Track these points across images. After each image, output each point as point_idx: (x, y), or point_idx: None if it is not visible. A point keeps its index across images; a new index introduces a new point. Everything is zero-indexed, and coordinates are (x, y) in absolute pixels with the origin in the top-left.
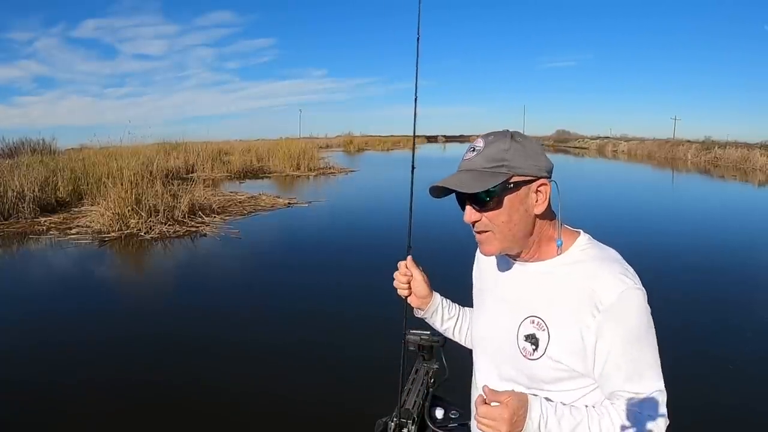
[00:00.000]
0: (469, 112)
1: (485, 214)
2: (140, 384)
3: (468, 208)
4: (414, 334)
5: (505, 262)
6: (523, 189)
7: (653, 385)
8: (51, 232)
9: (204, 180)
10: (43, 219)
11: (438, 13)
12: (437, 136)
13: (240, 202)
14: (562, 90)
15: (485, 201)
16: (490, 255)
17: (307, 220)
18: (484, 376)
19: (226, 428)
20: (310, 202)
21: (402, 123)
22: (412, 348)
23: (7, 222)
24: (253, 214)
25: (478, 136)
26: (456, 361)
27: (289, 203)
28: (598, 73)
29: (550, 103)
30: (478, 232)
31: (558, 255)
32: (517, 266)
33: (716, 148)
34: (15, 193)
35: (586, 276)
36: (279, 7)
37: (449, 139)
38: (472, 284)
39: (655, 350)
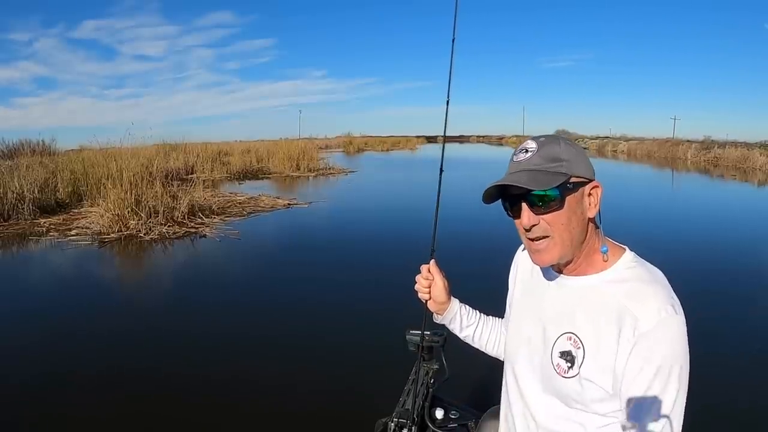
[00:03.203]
0: (468, 113)
1: (544, 216)
2: (140, 384)
3: (526, 211)
4: (414, 334)
5: (546, 273)
6: (580, 191)
7: (669, 426)
8: (51, 234)
9: (204, 181)
10: (43, 220)
11: (438, 14)
12: (437, 136)
13: (240, 203)
14: (562, 90)
15: (546, 202)
16: (546, 264)
17: (307, 221)
18: (526, 388)
19: (226, 427)
20: (309, 202)
21: (401, 123)
22: (412, 348)
23: (6, 223)
24: (252, 215)
25: (528, 138)
26: (456, 362)
27: (288, 204)
28: (597, 73)
29: (550, 103)
30: (533, 240)
31: (602, 270)
32: (559, 279)
33: (716, 147)
34: (14, 195)
35: (629, 297)
36: (279, 8)
37: (448, 139)
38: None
39: (683, 387)
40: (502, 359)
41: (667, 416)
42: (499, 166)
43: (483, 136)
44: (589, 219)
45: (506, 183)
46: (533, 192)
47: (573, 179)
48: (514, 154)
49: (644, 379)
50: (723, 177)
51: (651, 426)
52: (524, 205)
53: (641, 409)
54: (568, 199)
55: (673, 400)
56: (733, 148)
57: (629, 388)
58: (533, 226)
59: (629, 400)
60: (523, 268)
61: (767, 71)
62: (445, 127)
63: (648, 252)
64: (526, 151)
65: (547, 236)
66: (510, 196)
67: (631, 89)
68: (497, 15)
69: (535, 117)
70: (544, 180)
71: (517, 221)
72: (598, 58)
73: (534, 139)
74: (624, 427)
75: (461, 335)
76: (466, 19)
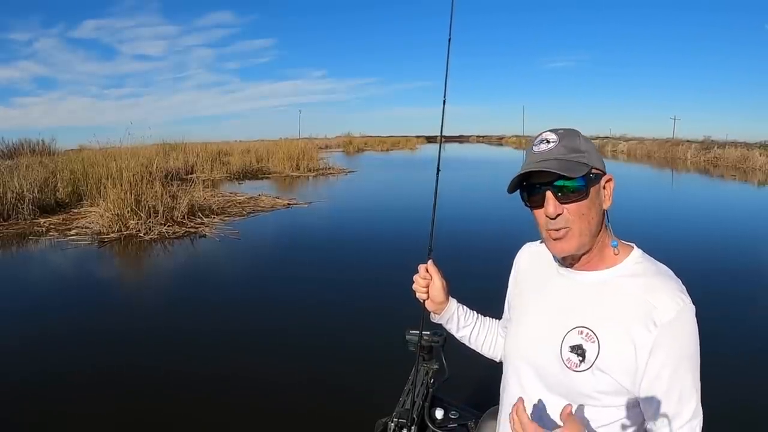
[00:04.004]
0: (468, 113)
1: (567, 206)
2: (140, 382)
3: (551, 199)
4: (414, 334)
5: (551, 269)
6: (599, 182)
7: (694, 412)
8: (50, 233)
9: (203, 181)
10: (43, 220)
11: (438, 15)
12: (436, 136)
13: (239, 203)
14: (562, 90)
15: (572, 191)
16: (566, 254)
17: (307, 221)
18: (530, 387)
19: (226, 425)
20: (309, 202)
21: (401, 123)
22: (412, 348)
23: (6, 223)
24: (252, 214)
25: (531, 136)
26: (456, 362)
27: (288, 204)
28: (597, 73)
29: (550, 103)
30: (555, 229)
31: (614, 266)
32: (567, 274)
33: (716, 147)
34: (14, 194)
35: (643, 290)
36: (279, 8)
37: (448, 139)
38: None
39: (698, 373)
40: (497, 361)
41: (693, 402)
42: (498, 167)
43: (483, 136)
44: (605, 210)
45: (539, 169)
46: (558, 182)
47: (594, 170)
48: (534, 145)
49: (669, 371)
50: (723, 177)
51: (681, 414)
52: (549, 194)
53: (669, 400)
54: (592, 189)
55: (695, 386)
56: (733, 148)
57: (655, 381)
58: (558, 215)
59: (656, 393)
60: (525, 268)
61: (767, 72)
62: (442, 126)
63: (648, 252)
64: (548, 141)
65: (567, 227)
66: (530, 186)
67: (630, 89)
68: (497, 16)
69: (535, 117)
70: (572, 169)
71: (537, 211)
72: (598, 58)
73: (553, 131)
74: (651, 420)
75: (458, 335)
76: (466, 20)
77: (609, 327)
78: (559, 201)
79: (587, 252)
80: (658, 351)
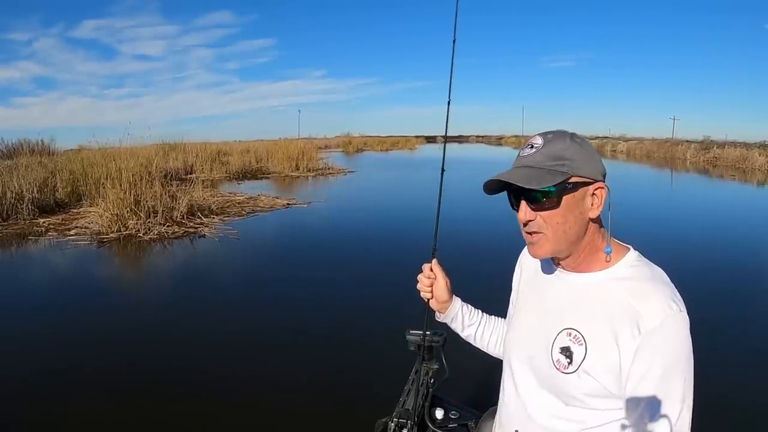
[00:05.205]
0: (467, 112)
1: (540, 213)
2: (139, 381)
3: (523, 206)
4: (414, 334)
5: (550, 270)
6: (581, 191)
7: (676, 425)
8: (50, 233)
9: (203, 181)
10: (42, 220)
11: (438, 16)
12: (436, 136)
13: (239, 203)
14: (562, 90)
15: (542, 199)
16: (539, 257)
17: (306, 221)
18: (522, 385)
19: (226, 425)
20: (309, 202)
21: (400, 123)
22: (412, 348)
23: (5, 223)
24: (252, 214)
25: (533, 136)
26: (456, 361)
27: (287, 204)
28: (597, 72)
29: (549, 102)
30: (530, 233)
31: (605, 268)
32: (562, 275)
33: (715, 147)
34: (13, 194)
35: (633, 295)
36: (278, 8)
37: (448, 139)
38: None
39: (689, 384)
40: (503, 359)
41: (676, 414)
42: (497, 167)
43: (482, 136)
44: (592, 219)
45: (501, 179)
46: (530, 189)
47: (573, 179)
48: (522, 148)
49: (652, 379)
50: (722, 177)
51: (661, 425)
52: (522, 201)
53: (651, 409)
54: (566, 198)
55: (681, 397)
56: (732, 148)
57: (637, 388)
58: (529, 221)
59: (638, 400)
60: (527, 268)
61: (767, 72)
62: (447, 127)
63: (647, 252)
64: (532, 146)
65: (541, 232)
66: (512, 190)
67: (630, 89)
68: (496, 16)
69: (535, 117)
70: (541, 178)
71: (518, 214)
72: (598, 58)
73: (542, 135)
74: (634, 428)
75: (463, 335)
76: (466, 20)
77: (596, 330)
78: (530, 208)
79: (570, 256)
80: (639, 358)
